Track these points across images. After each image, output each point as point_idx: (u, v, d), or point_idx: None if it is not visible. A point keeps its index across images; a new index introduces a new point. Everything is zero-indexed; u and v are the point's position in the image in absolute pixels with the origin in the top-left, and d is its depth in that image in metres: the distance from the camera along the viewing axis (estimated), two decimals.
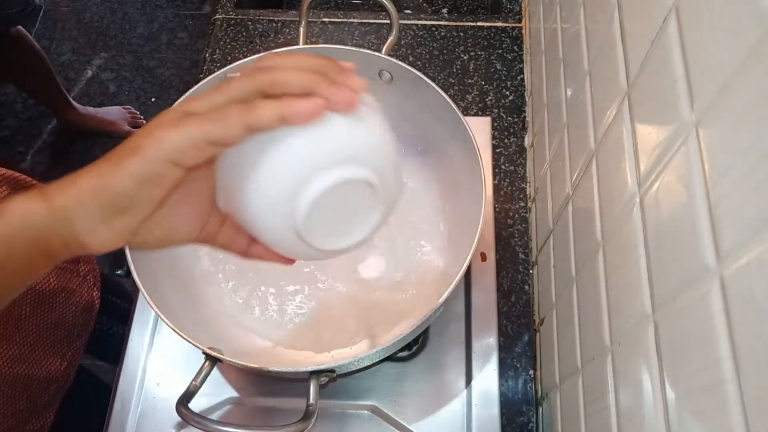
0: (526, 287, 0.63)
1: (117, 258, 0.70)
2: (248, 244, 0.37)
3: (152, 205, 0.31)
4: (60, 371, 0.63)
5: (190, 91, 0.55)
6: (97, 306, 0.70)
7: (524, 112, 0.73)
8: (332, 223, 0.35)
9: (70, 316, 0.64)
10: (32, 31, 1.84)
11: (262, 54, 0.32)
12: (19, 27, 1.24)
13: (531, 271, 0.64)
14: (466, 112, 0.72)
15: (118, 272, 0.69)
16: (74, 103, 1.54)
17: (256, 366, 0.44)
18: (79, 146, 1.62)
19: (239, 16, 0.81)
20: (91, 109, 1.59)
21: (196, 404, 0.45)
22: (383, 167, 0.34)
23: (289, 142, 0.31)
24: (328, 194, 0.32)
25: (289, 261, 0.38)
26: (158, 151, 0.29)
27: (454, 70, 0.76)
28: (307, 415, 0.41)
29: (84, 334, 0.68)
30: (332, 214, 0.34)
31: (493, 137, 0.71)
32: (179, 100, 0.54)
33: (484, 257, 0.63)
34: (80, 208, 0.30)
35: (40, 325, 0.60)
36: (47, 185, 0.31)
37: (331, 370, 0.45)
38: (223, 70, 0.56)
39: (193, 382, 0.44)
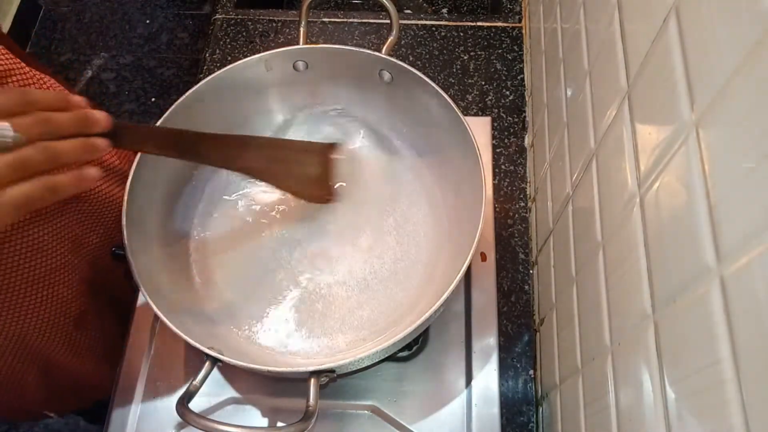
0: (526, 287, 0.63)
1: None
2: None
3: None
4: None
5: (190, 91, 0.55)
6: None
7: (524, 112, 0.73)
8: None
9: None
10: (32, 30, 1.84)
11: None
12: None
13: (531, 271, 0.64)
14: (466, 112, 0.72)
15: (117, 251, 0.69)
16: None
17: (256, 366, 0.44)
18: None
19: (239, 16, 0.81)
20: None
21: (196, 404, 0.45)
22: None
23: None
24: None
25: None
26: None
27: (454, 70, 0.76)
28: (307, 416, 0.41)
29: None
30: None
31: (493, 137, 0.71)
32: (179, 100, 0.54)
33: (484, 257, 0.63)
34: None
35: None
36: None
37: (331, 370, 0.45)
38: (228, 67, 0.56)
39: (193, 382, 0.44)
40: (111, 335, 0.70)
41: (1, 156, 0.32)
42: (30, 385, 0.64)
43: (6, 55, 0.52)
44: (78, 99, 0.38)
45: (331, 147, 0.58)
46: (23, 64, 0.54)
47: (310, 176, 0.57)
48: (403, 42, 0.78)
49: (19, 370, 0.61)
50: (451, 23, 0.79)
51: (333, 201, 0.61)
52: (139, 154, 0.52)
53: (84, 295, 0.64)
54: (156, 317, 0.61)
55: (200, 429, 0.39)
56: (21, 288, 0.55)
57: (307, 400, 0.43)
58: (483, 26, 0.79)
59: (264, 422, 0.57)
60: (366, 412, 0.57)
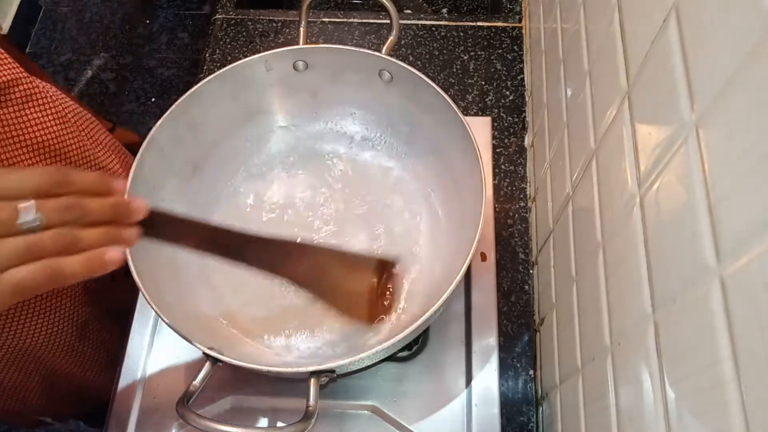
0: (526, 287, 0.63)
1: None
2: None
3: None
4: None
5: (190, 91, 0.55)
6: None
7: (524, 112, 0.73)
8: None
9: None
10: (32, 30, 1.84)
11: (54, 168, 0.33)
12: None
13: (531, 271, 0.64)
14: (466, 112, 0.72)
15: None
16: None
17: (256, 366, 0.44)
18: None
19: (239, 16, 0.81)
20: None
21: (196, 404, 0.45)
22: None
23: None
24: None
25: None
26: None
27: (454, 70, 0.76)
28: (307, 416, 0.41)
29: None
30: None
31: (493, 137, 0.71)
32: (179, 100, 0.54)
33: (484, 257, 0.63)
34: None
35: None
36: None
37: (331, 371, 0.45)
38: (228, 67, 0.56)
39: (193, 383, 0.44)
40: (112, 344, 0.70)
41: (14, 239, 0.30)
42: (32, 392, 0.64)
43: (10, 64, 0.52)
44: (120, 185, 0.36)
45: (387, 263, 0.55)
46: (27, 74, 0.54)
47: (358, 293, 0.53)
48: (403, 42, 0.78)
49: (22, 379, 0.61)
50: (451, 23, 0.79)
51: (381, 322, 0.56)
52: (138, 155, 0.52)
53: (86, 304, 0.64)
54: (156, 318, 0.61)
55: (200, 429, 0.39)
56: (27, 300, 0.55)
57: (307, 400, 0.43)
58: (483, 26, 0.79)
59: (264, 422, 0.57)
60: (366, 412, 0.57)
